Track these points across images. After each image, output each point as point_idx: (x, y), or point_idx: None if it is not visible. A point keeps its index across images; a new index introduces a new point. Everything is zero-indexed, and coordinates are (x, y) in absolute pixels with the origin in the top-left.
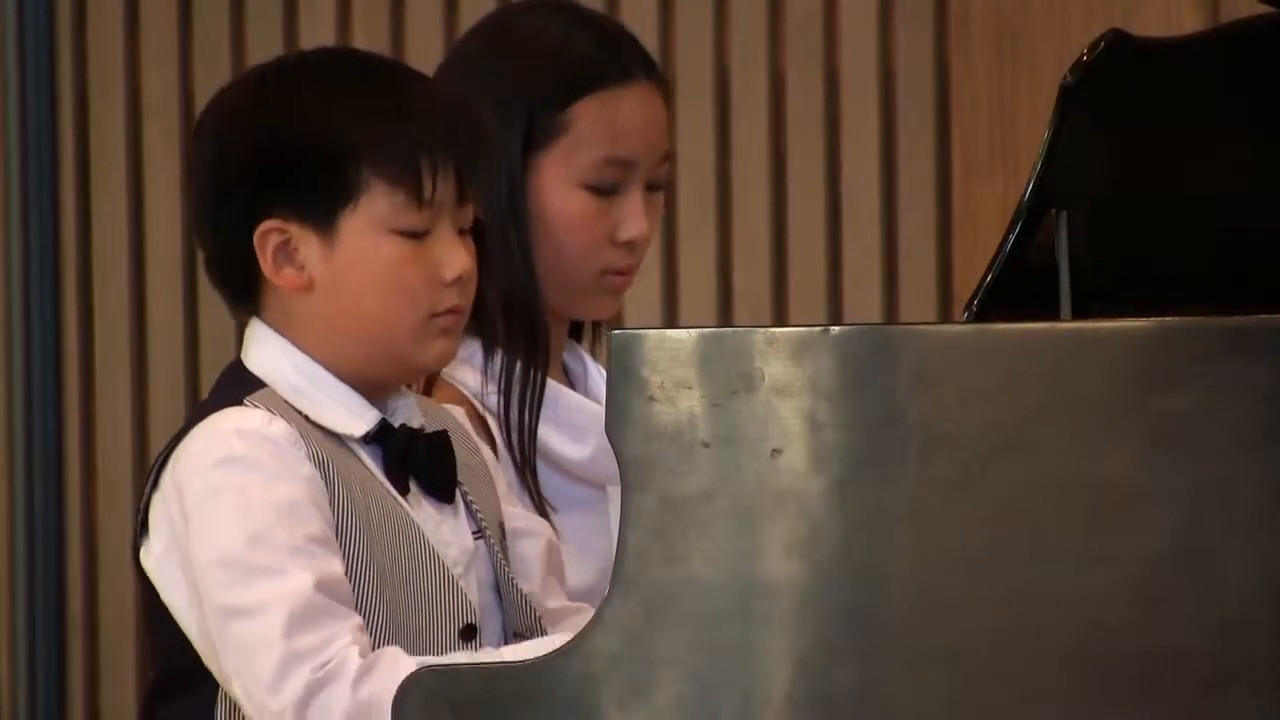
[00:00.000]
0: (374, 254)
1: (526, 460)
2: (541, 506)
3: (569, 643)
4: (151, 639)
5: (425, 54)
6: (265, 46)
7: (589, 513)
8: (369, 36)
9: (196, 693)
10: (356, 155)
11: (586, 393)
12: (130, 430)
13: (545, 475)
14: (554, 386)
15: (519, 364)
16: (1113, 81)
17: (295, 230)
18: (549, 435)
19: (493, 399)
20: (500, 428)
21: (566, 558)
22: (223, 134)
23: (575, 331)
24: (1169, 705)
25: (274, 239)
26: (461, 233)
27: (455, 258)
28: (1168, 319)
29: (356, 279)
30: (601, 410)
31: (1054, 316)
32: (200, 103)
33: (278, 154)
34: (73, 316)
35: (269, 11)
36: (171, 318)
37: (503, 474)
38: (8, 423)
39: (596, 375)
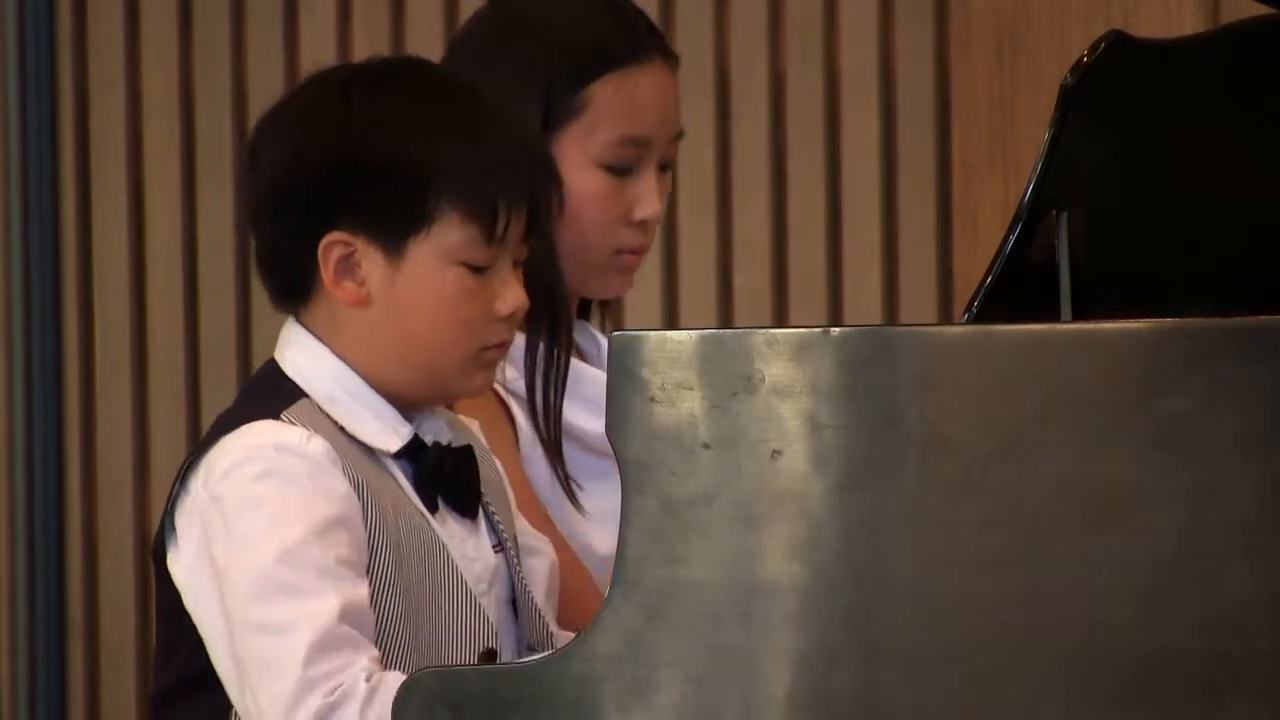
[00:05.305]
0: (437, 283)
1: (553, 440)
2: (568, 487)
3: (569, 645)
4: (164, 641)
5: (425, 55)
6: (265, 47)
7: (611, 482)
8: (369, 38)
9: (208, 698)
10: (437, 186)
11: (604, 369)
12: (130, 430)
13: (566, 451)
14: (572, 362)
15: (542, 345)
16: (1113, 82)
17: (361, 245)
18: (567, 410)
19: (519, 383)
20: (527, 410)
21: (590, 528)
22: (299, 141)
23: (583, 312)
24: (1169, 706)
25: (338, 250)
26: (515, 264)
27: (511, 293)
28: (1168, 320)
29: (416, 304)
30: None
31: (1054, 317)
32: (201, 103)
33: (358, 172)
34: (73, 316)
35: (269, 12)
36: (171, 318)
37: (510, 490)
38: (8, 423)
39: None
